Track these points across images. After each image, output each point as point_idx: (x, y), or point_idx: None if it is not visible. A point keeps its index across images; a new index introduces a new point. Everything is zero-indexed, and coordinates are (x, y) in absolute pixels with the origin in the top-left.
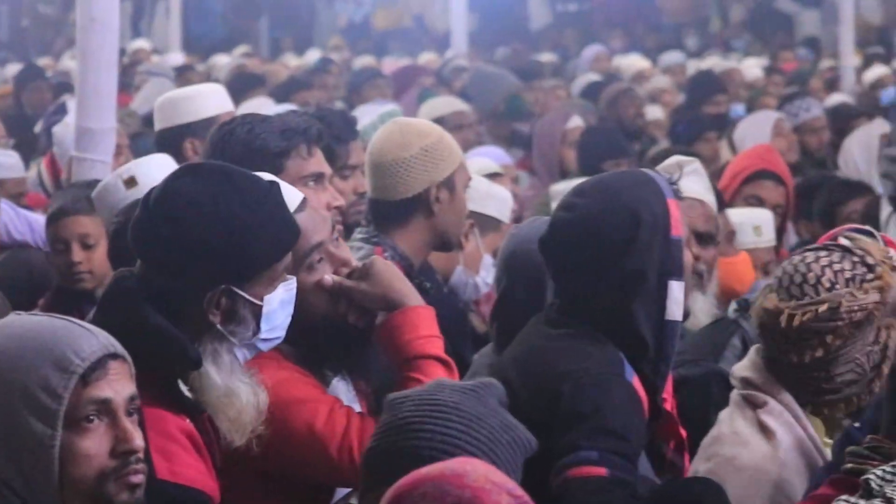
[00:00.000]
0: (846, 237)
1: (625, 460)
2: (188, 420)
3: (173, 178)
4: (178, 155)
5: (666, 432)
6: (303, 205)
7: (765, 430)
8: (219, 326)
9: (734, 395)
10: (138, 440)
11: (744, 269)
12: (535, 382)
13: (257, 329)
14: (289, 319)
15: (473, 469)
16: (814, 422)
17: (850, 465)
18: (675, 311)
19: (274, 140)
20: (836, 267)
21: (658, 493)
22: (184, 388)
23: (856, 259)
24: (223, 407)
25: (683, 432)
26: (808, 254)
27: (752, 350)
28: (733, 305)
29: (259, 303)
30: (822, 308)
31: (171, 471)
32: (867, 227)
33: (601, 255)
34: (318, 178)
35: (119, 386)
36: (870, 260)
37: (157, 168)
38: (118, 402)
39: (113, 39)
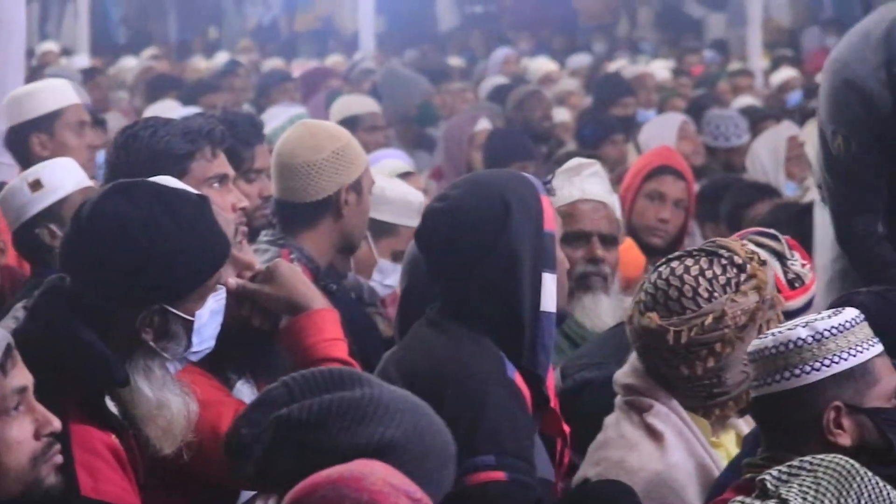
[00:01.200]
0: (750, 240)
1: (521, 461)
2: (114, 436)
3: (104, 197)
4: (27, 151)
5: (551, 426)
6: None
7: (652, 433)
8: (151, 343)
9: (619, 401)
10: (56, 421)
11: (633, 253)
12: (417, 383)
13: (189, 343)
14: (218, 328)
15: (372, 472)
16: (699, 423)
17: (748, 475)
18: (548, 302)
19: (177, 142)
20: (709, 274)
21: (570, 497)
22: (111, 405)
23: (724, 262)
24: (154, 418)
25: (566, 427)
26: (674, 264)
27: (633, 357)
28: None
29: (191, 318)
30: (708, 320)
31: (95, 488)
32: (772, 231)
33: (475, 242)
34: (222, 179)
35: (25, 372)
36: (738, 260)
37: (62, 171)
38: (30, 387)
39: (20, 40)
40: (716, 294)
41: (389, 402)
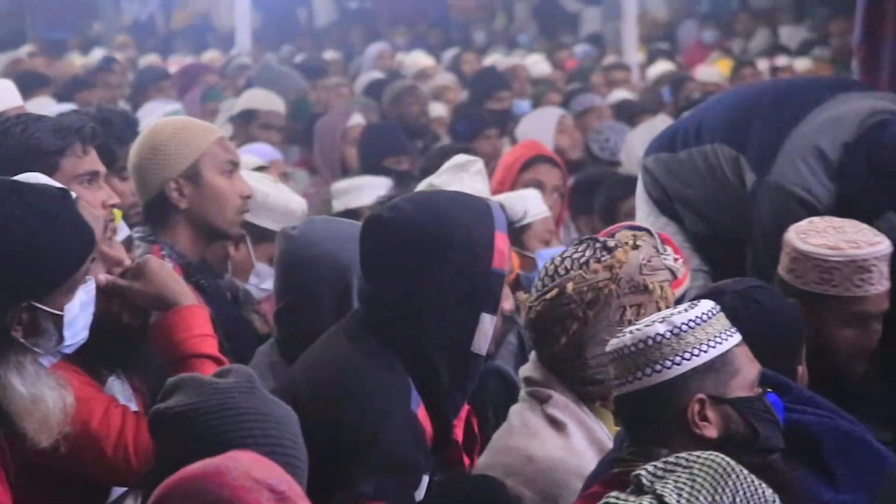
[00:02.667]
0: (621, 235)
1: (403, 493)
2: None
3: None
4: None
5: (450, 460)
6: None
7: (554, 423)
8: (21, 340)
9: (522, 393)
10: None
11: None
12: (321, 395)
13: (60, 338)
14: (90, 318)
15: (237, 466)
16: (604, 414)
17: (617, 471)
18: (481, 344)
19: (48, 139)
20: (577, 255)
21: (443, 489)
22: None
23: (598, 245)
24: (30, 413)
25: (467, 460)
26: (566, 250)
27: (533, 351)
28: None
29: (60, 313)
30: (552, 294)
31: None
32: (644, 226)
33: (412, 264)
34: (93, 176)
35: None
36: (611, 243)
37: None
38: None
39: None
40: (571, 271)
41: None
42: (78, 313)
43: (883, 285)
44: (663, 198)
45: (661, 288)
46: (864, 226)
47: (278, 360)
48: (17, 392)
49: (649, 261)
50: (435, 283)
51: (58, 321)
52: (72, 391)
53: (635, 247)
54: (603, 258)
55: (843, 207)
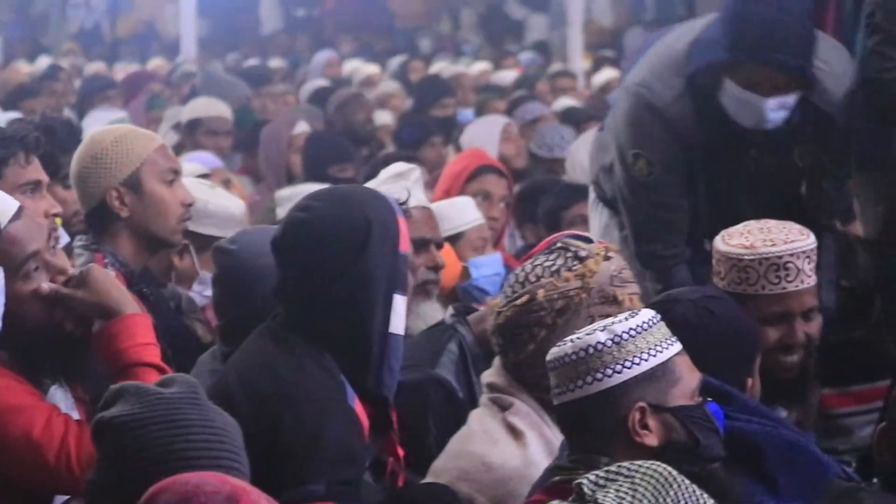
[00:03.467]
0: (564, 243)
1: (351, 490)
2: None
3: None
4: None
5: (386, 448)
6: (18, 213)
7: (514, 432)
8: None
9: (483, 398)
10: None
11: (448, 263)
12: (257, 400)
13: None
14: (1, 308)
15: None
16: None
17: (558, 479)
18: (398, 324)
19: None
20: (548, 263)
21: (393, 498)
22: None
23: (569, 254)
24: None
25: (401, 451)
26: (537, 257)
27: (498, 357)
28: (450, 310)
29: None
30: (522, 300)
31: None
32: (585, 234)
33: (334, 257)
34: (36, 186)
35: None
36: (583, 253)
37: None
38: None
39: None
40: (542, 279)
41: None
42: None
43: (803, 282)
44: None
45: (631, 300)
46: (795, 226)
47: (220, 369)
48: None
49: (620, 272)
50: (359, 272)
51: None
52: None
53: (607, 258)
54: (574, 267)
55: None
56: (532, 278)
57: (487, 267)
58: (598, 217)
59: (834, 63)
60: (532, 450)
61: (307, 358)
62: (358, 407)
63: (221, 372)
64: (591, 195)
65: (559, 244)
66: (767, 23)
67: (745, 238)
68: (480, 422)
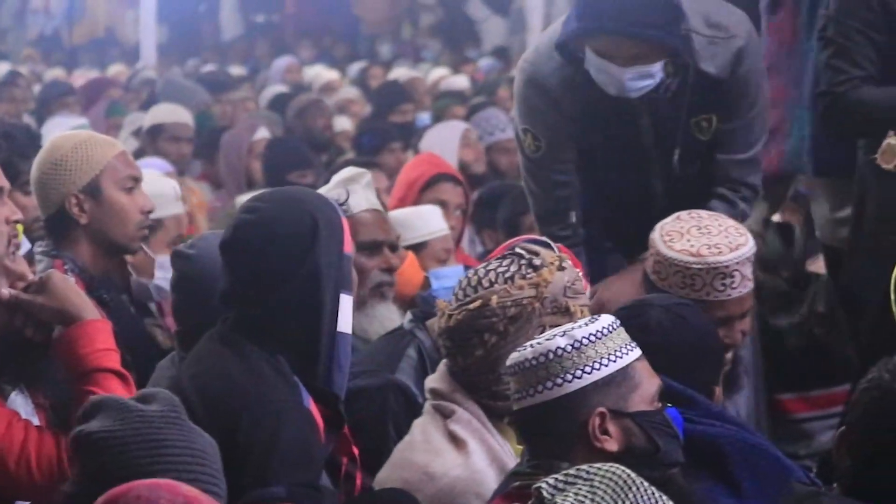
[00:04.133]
0: (522, 248)
1: (312, 491)
2: None
3: None
4: None
5: (340, 448)
6: None
7: (455, 440)
8: None
9: (427, 405)
10: None
11: (411, 271)
12: (213, 405)
13: None
14: None
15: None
16: (504, 430)
17: (517, 484)
18: (345, 323)
19: None
20: (501, 269)
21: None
22: None
23: (524, 262)
24: None
25: (356, 449)
26: (490, 262)
27: (443, 361)
28: (408, 316)
29: None
30: (475, 304)
31: None
32: (543, 238)
33: (283, 256)
34: None
35: None
36: (537, 261)
37: None
38: None
39: None
40: (496, 285)
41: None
42: None
43: (745, 287)
44: None
45: (582, 312)
46: (730, 223)
47: (175, 376)
48: None
49: (573, 283)
50: (308, 272)
51: None
52: None
53: (561, 268)
54: (529, 275)
55: None
56: (485, 283)
57: (449, 278)
58: None
59: (732, 28)
60: (475, 458)
61: (260, 360)
62: (313, 407)
63: (174, 377)
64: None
65: (515, 250)
66: None
67: (689, 243)
68: (423, 431)
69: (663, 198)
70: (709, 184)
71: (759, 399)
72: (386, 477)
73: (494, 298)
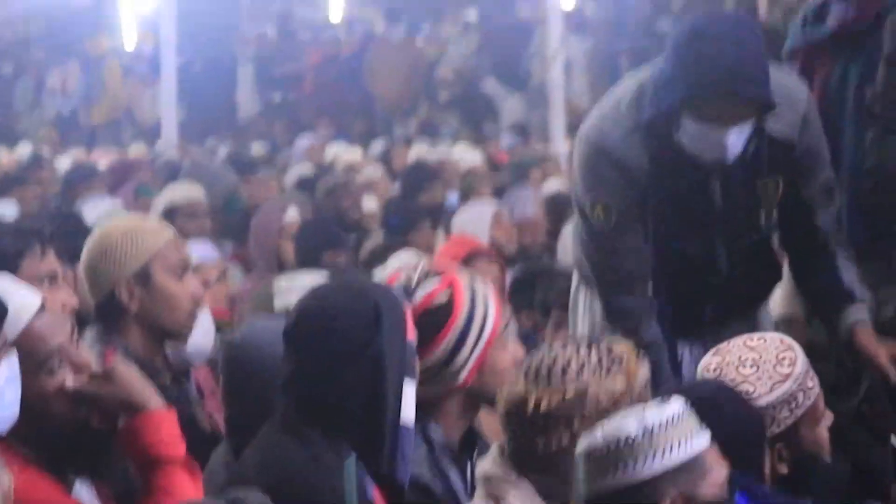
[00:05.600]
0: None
1: None
2: None
3: None
4: None
5: None
6: (42, 307)
7: None
8: None
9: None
10: None
11: None
12: (278, 497)
13: None
14: (18, 393)
15: None
16: None
17: None
18: (408, 413)
19: (8, 241)
20: (583, 355)
21: None
22: None
23: (602, 350)
24: None
25: None
26: (554, 345)
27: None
28: None
29: None
30: (570, 394)
31: None
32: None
33: (348, 341)
34: (53, 277)
35: None
36: (615, 352)
37: None
38: None
39: None
40: (584, 372)
41: None
42: (3, 387)
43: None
44: None
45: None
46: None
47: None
48: None
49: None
50: (372, 356)
51: None
52: (9, 472)
53: (641, 360)
54: (614, 366)
55: None
56: (572, 371)
57: None
58: (581, 298)
59: (794, 90)
60: None
61: (327, 449)
62: (377, 496)
63: (236, 468)
64: (575, 277)
65: (588, 341)
66: (724, 55)
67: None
68: None
69: (726, 263)
70: (792, 249)
71: None
72: None
73: (591, 390)
